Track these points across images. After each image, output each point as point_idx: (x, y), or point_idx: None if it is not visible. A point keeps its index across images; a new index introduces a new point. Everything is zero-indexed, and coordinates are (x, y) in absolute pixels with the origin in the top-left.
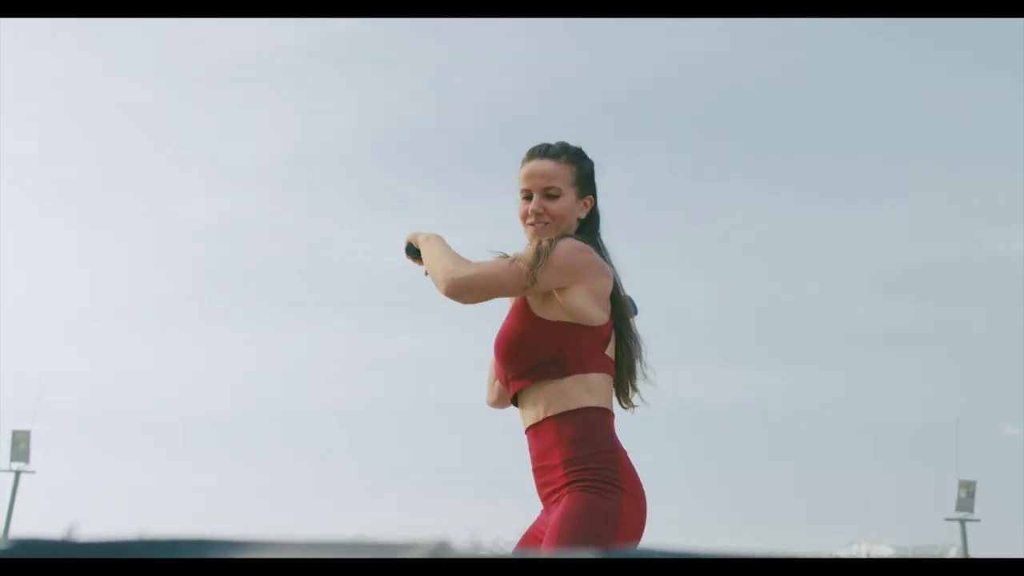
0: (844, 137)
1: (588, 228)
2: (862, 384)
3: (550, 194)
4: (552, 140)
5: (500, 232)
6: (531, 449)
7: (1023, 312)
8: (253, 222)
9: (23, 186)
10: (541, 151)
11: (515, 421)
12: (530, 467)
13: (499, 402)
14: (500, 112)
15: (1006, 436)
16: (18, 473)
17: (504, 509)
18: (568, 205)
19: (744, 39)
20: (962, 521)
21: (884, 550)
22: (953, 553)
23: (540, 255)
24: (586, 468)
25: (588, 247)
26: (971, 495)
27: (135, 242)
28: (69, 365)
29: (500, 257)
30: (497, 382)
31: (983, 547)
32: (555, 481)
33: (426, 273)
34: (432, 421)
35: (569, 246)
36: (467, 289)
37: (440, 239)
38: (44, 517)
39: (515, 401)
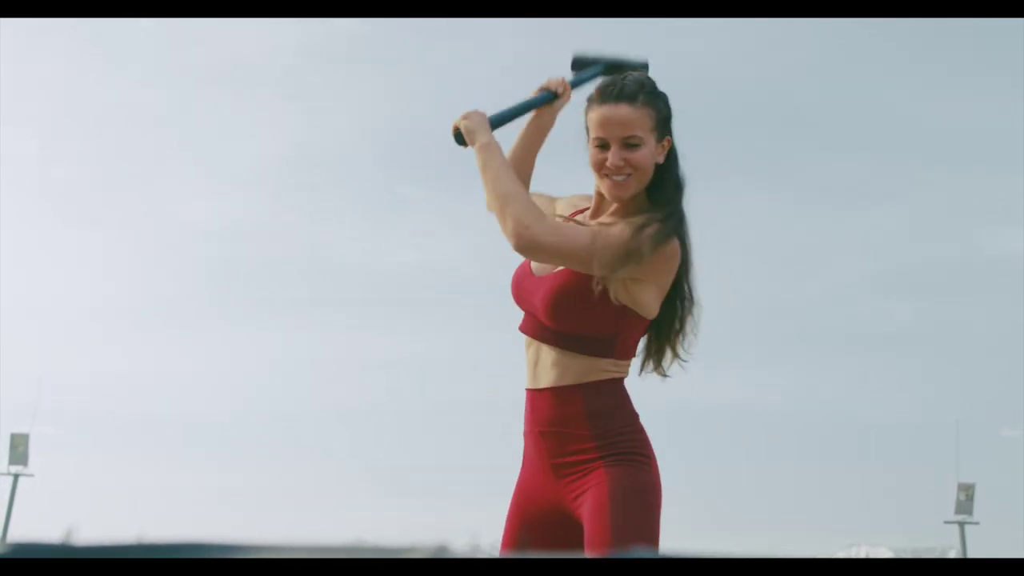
0: (844, 137)
1: (665, 171)
2: (861, 385)
3: (630, 143)
4: (616, 77)
5: (500, 233)
6: (540, 411)
7: (1022, 314)
8: (253, 222)
9: (23, 186)
10: (615, 92)
11: (514, 421)
12: (530, 428)
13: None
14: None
15: (1004, 438)
16: (16, 476)
17: (503, 510)
18: (649, 154)
19: (744, 39)
20: (961, 524)
21: (883, 552)
22: (952, 556)
23: (630, 257)
24: (619, 440)
25: (677, 250)
26: (970, 498)
27: (135, 242)
28: (68, 367)
29: (578, 224)
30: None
31: (982, 550)
32: (582, 452)
33: (457, 137)
34: (432, 422)
35: (666, 256)
36: (540, 251)
37: (501, 160)
38: (42, 521)
39: (528, 345)
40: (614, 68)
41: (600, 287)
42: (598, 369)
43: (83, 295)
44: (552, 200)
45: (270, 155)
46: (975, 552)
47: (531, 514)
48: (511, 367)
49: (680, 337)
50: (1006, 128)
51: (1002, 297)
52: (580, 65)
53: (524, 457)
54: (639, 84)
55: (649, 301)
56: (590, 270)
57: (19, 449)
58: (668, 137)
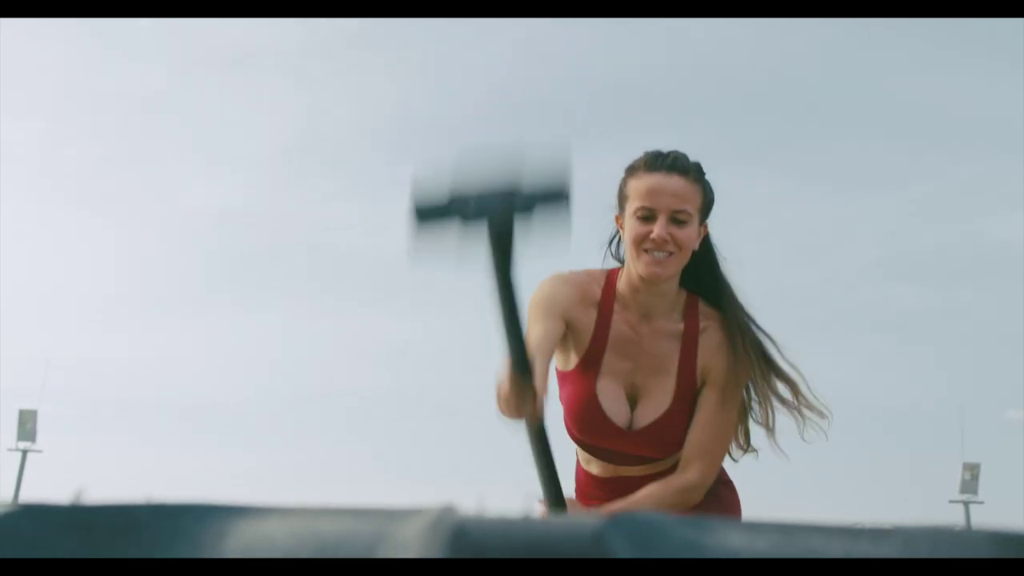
0: (850, 123)
1: (702, 259)
2: (868, 368)
3: (679, 219)
4: (662, 149)
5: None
6: (618, 490)
7: None
8: (256, 206)
9: (28, 172)
10: (668, 163)
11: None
12: (604, 497)
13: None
14: (502, 98)
15: (1009, 420)
16: (25, 452)
17: (509, 490)
18: (694, 234)
19: (748, 26)
20: (966, 503)
21: None
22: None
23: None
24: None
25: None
26: (975, 477)
27: (140, 226)
28: (76, 346)
29: (712, 422)
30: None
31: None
32: None
33: None
34: (436, 403)
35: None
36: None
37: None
38: (51, 496)
39: (600, 455)
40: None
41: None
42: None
43: (90, 278)
44: (556, 317)
45: (273, 139)
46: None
47: None
48: None
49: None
50: (1013, 114)
51: (1008, 282)
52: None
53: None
54: (691, 160)
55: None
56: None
57: (27, 425)
58: (706, 224)
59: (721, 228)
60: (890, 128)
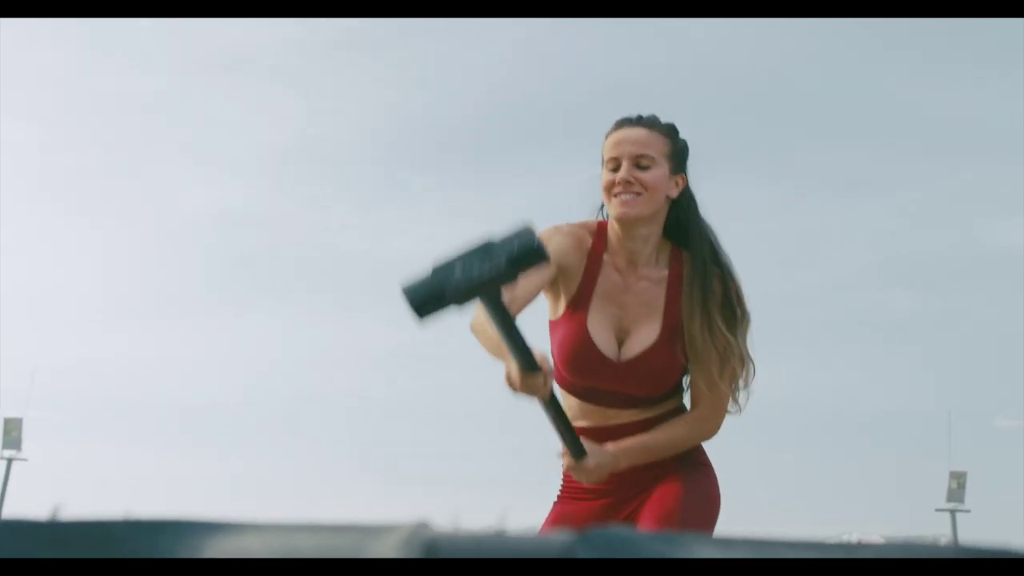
0: (844, 127)
1: (682, 211)
2: (859, 373)
3: (642, 164)
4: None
5: (499, 219)
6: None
7: (1021, 305)
8: (252, 210)
9: (21, 174)
10: (631, 120)
11: (515, 411)
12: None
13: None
14: (500, 100)
15: (998, 429)
16: (10, 461)
17: (500, 498)
18: (661, 176)
19: (744, 29)
20: (952, 511)
21: (875, 540)
22: (943, 543)
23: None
24: (692, 450)
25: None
26: (962, 486)
27: (134, 229)
28: (65, 352)
29: (707, 375)
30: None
31: (973, 537)
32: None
33: None
34: (431, 410)
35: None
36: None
37: (633, 446)
38: (36, 505)
39: (592, 398)
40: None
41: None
42: (664, 406)
43: (82, 282)
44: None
45: (269, 143)
46: (966, 539)
47: (577, 519)
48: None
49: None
50: (1007, 118)
51: (1002, 287)
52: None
53: (564, 488)
54: (656, 118)
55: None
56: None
57: (13, 434)
58: (683, 175)
59: (721, 232)
60: (883, 131)
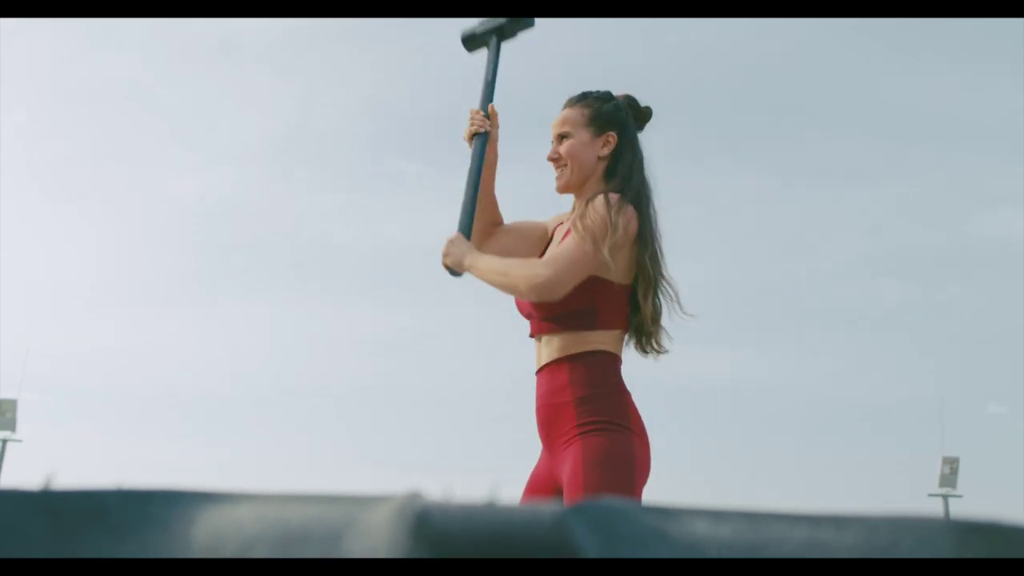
0: (835, 119)
1: (619, 163)
2: (851, 362)
3: (563, 136)
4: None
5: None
6: (539, 387)
7: (1010, 293)
8: (242, 197)
9: (10, 161)
10: (565, 103)
11: (507, 397)
12: (535, 406)
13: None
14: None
15: (990, 415)
16: (4, 442)
17: (495, 480)
18: (578, 144)
19: (737, 23)
20: (945, 497)
21: None
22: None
23: (609, 231)
24: (597, 408)
25: (634, 212)
26: (954, 471)
27: (125, 216)
28: (59, 337)
29: (562, 239)
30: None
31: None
32: (565, 420)
33: (449, 271)
34: (424, 397)
35: (627, 218)
36: (557, 286)
37: (486, 258)
38: (31, 484)
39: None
40: (506, 31)
41: None
42: (584, 341)
43: (73, 268)
44: (539, 223)
45: (259, 130)
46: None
47: (537, 491)
48: (497, 341)
49: (659, 325)
50: (996, 111)
51: (990, 277)
52: (471, 43)
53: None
54: (584, 93)
55: (616, 267)
56: (593, 267)
57: (7, 415)
58: (611, 132)
59: (707, 223)
60: (873, 124)
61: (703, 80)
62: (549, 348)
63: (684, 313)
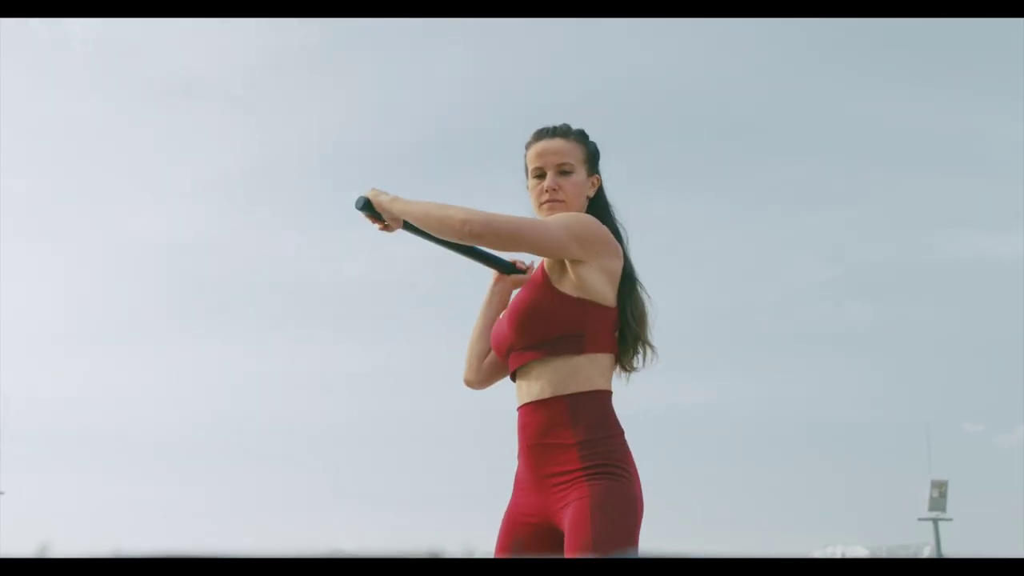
0: (794, 142)
1: (599, 207)
2: (822, 386)
3: (564, 171)
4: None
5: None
6: (528, 425)
7: (975, 312)
8: (212, 236)
9: None
10: (550, 131)
11: (485, 429)
12: (521, 444)
13: (483, 380)
14: (450, 123)
15: (967, 434)
16: None
17: (473, 518)
18: (580, 182)
19: (696, 47)
20: (935, 520)
21: (859, 551)
22: (927, 553)
23: (568, 221)
24: (601, 452)
25: (612, 238)
26: (943, 495)
27: (93, 257)
28: (33, 383)
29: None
30: (477, 359)
31: (957, 546)
32: (566, 463)
33: (379, 225)
34: (396, 432)
35: (590, 219)
36: (489, 230)
37: (415, 200)
38: (15, 537)
39: (515, 375)
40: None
41: (555, 290)
42: (581, 377)
43: (44, 310)
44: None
45: (223, 168)
46: (950, 548)
47: (521, 529)
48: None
49: (639, 341)
50: (955, 131)
51: (954, 296)
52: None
53: (516, 477)
54: (569, 127)
55: (599, 284)
56: (544, 242)
57: None
58: (597, 175)
59: (673, 248)
60: (833, 146)
61: (659, 104)
62: (539, 382)
63: (650, 334)
